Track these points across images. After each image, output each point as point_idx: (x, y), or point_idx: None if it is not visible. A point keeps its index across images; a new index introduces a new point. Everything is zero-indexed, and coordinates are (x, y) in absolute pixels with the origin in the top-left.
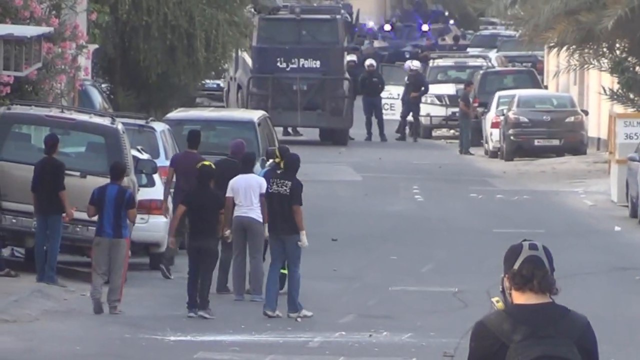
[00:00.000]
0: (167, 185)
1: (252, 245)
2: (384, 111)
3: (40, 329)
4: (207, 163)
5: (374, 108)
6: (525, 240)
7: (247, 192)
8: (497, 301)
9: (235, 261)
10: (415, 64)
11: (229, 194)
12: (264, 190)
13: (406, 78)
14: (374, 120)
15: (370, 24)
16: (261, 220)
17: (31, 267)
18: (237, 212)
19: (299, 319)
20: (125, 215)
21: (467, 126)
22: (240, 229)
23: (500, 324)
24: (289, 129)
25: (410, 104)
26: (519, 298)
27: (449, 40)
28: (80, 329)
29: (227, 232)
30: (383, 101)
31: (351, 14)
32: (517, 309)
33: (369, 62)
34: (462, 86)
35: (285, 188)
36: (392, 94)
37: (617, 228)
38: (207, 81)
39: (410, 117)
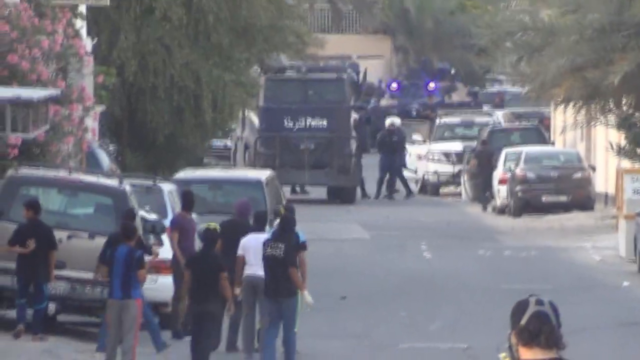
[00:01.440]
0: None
1: (262, 305)
2: None
3: None
4: (212, 225)
5: (390, 166)
6: (531, 295)
7: (258, 251)
8: (505, 357)
9: (245, 320)
10: (395, 122)
11: (240, 252)
12: None
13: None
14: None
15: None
16: None
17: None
18: (248, 271)
19: None
20: (135, 276)
21: (489, 183)
22: (250, 287)
23: None
24: (297, 188)
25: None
26: (526, 354)
27: (456, 97)
28: None
29: (238, 291)
30: None
31: (358, 72)
32: None
33: (389, 121)
34: (469, 143)
35: (279, 251)
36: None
37: (625, 283)
38: (215, 141)
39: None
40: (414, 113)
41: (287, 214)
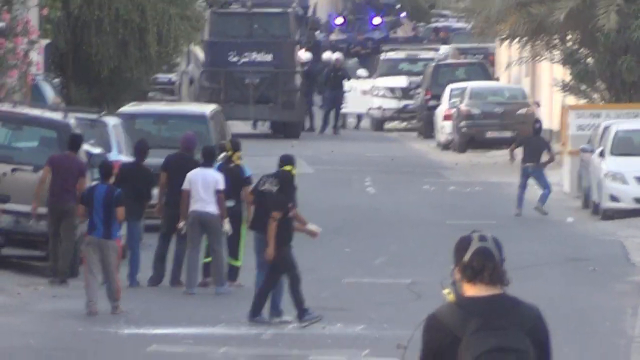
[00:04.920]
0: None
1: (212, 239)
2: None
3: None
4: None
5: (335, 102)
6: (474, 231)
7: (206, 185)
8: (448, 293)
9: (190, 255)
10: (340, 57)
11: (185, 186)
12: (220, 186)
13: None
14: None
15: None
16: (217, 213)
17: None
18: (193, 206)
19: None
20: (115, 215)
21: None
22: (197, 223)
23: (452, 317)
24: (258, 123)
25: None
26: (470, 290)
27: (401, 32)
28: (33, 323)
29: (182, 224)
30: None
31: (307, 7)
32: (468, 301)
33: (336, 55)
34: (415, 78)
35: (274, 187)
36: (345, 88)
37: (569, 219)
38: (160, 75)
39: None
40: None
41: (285, 171)
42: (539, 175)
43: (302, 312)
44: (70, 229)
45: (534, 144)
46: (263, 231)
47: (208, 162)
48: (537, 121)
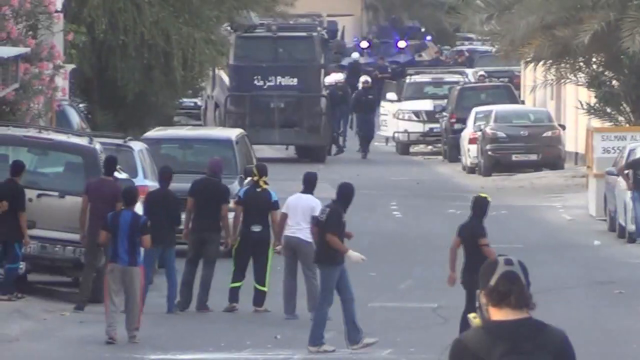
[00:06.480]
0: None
1: (304, 265)
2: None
3: (20, 349)
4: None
5: (367, 125)
6: (500, 255)
7: (303, 212)
8: (475, 317)
9: (286, 280)
10: (369, 79)
11: (284, 210)
12: (316, 213)
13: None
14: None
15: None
16: (310, 240)
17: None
18: (287, 231)
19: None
20: (139, 242)
21: None
22: (289, 249)
23: (479, 341)
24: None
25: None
26: (497, 314)
27: (425, 56)
28: (59, 349)
29: (278, 248)
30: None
31: (336, 30)
32: (494, 325)
33: (364, 78)
34: (440, 102)
35: (323, 215)
36: (381, 111)
37: (596, 242)
38: (185, 100)
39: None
40: (389, 70)
41: (346, 184)
42: None
43: None
44: None
45: None
46: (328, 265)
47: (308, 188)
48: None
